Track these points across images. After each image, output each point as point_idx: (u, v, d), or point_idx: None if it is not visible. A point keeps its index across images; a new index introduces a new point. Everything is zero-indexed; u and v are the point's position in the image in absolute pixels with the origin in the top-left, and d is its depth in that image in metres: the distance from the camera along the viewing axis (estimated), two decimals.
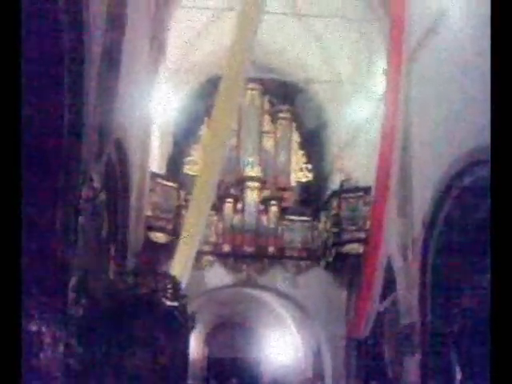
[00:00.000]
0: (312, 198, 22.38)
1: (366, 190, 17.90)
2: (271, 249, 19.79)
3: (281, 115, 23.17)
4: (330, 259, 18.87)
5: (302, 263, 19.87)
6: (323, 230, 19.42)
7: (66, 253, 8.02)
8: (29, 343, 6.44)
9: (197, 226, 13.99)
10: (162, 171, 19.82)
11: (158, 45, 16.39)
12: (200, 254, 17.15)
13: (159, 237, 17.62)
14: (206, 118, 21.13)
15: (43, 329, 6.78)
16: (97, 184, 8.88)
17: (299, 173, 22.68)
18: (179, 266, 13.40)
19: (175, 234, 16.91)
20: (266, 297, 22.64)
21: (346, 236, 18.25)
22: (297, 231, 20.07)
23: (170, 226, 17.86)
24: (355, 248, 17.88)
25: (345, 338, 18.72)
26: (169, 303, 10.07)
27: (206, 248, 18.97)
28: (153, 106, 16.30)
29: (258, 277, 19.90)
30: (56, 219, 8.00)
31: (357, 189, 18.72)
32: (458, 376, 13.25)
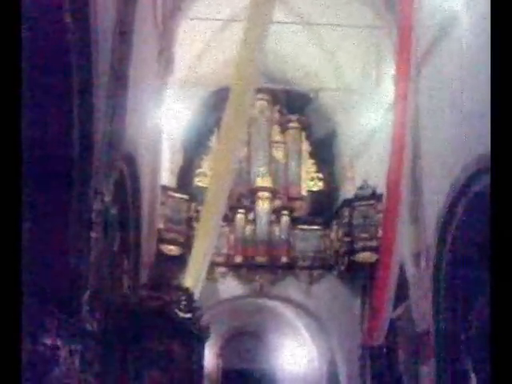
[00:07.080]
0: (323, 207, 22.28)
1: (378, 197, 17.87)
2: (283, 259, 19.77)
3: (290, 125, 23.12)
4: (343, 268, 18.82)
5: (315, 272, 19.85)
6: (335, 238, 19.38)
7: (79, 267, 8.06)
8: (44, 357, 6.45)
9: (208, 238, 14.00)
10: (173, 184, 19.86)
11: (165, 57, 16.45)
12: (212, 266, 17.15)
13: (171, 249, 17.64)
14: (215, 130, 21.14)
15: (59, 343, 6.79)
16: (108, 198, 8.92)
17: (310, 182, 22.62)
18: (192, 278, 13.41)
19: (187, 246, 16.91)
20: (280, 307, 22.59)
21: (358, 244, 18.21)
22: (309, 240, 20.04)
23: (181, 239, 17.87)
24: (368, 256, 17.83)
25: (359, 347, 18.66)
26: (182, 315, 10.04)
27: (219, 259, 18.99)
28: (162, 119, 16.33)
29: (271, 287, 19.89)
30: (68, 234, 8.04)
31: (368, 197, 18.68)
32: (473, 383, 13.19)
